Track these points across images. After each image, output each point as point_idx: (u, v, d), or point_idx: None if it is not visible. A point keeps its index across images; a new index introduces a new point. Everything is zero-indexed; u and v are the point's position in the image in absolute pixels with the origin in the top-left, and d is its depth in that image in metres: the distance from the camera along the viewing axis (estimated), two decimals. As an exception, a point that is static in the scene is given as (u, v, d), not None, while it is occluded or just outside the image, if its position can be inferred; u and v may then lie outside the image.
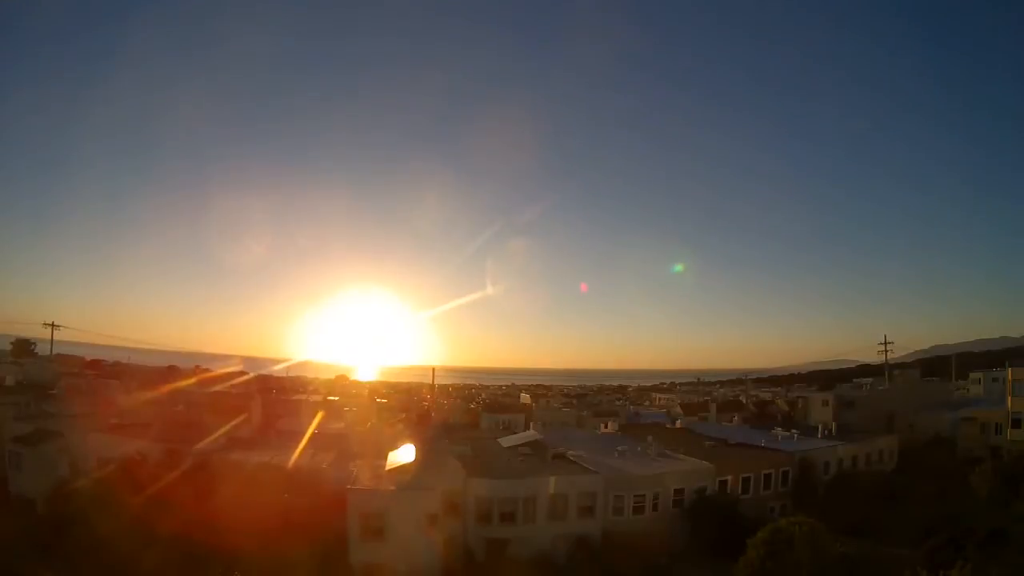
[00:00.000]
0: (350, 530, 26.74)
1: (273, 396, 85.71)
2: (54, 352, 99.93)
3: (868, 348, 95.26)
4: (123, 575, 21.66)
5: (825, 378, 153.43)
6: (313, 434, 38.50)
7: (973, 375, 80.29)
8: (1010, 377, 51.29)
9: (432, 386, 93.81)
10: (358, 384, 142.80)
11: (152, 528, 21.84)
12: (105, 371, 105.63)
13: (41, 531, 28.14)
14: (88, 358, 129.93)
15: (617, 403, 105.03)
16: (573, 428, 65.99)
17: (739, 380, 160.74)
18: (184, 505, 22.50)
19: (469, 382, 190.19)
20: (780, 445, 43.52)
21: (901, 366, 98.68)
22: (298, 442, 36.53)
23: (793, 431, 50.34)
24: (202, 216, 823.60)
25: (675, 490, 34.17)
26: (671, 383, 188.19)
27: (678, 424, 66.03)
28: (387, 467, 30.88)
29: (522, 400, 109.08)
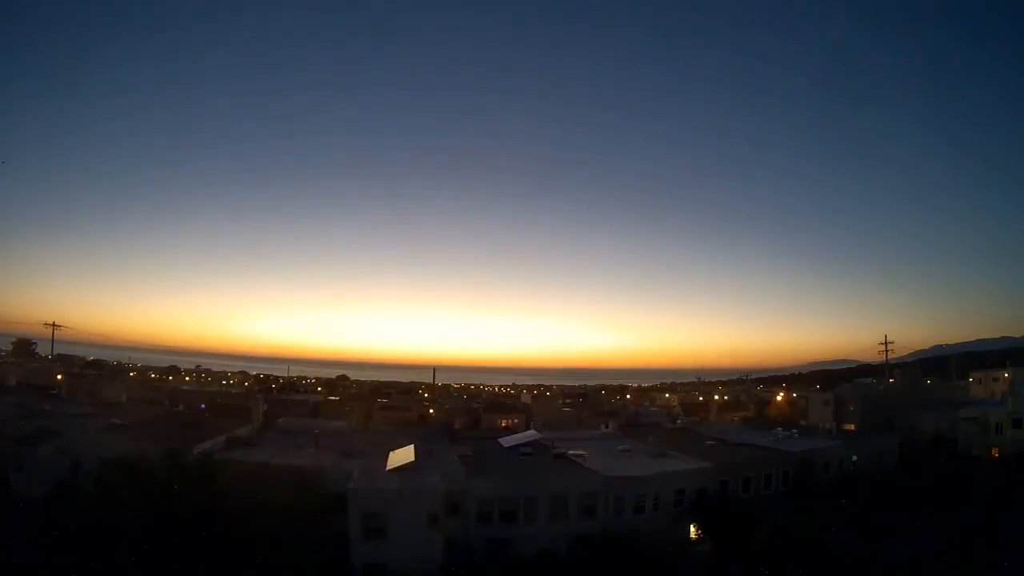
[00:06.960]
0: (351, 530, 26.74)
1: (274, 395, 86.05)
2: (54, 352, 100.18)
3: (868, 348, 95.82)
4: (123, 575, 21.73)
5: (825, 378, 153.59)
6: (314, 433, 38.52)
7: (973, 375, 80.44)
8: (1010, 377, 51.31)
9: (433, 385, 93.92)
10: (359, 383, 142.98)
11: (153, 529, 21.89)
12: (105, 371, 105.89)
13: (42, 531, 28.16)
14: (88, 358, 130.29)
15: (617, 403, 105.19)
16: (574, 428, 66.09)
17: (739, 380, 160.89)
18: (185, 506, 22.54)
19: (470, 381, 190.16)
20: (780, 445, 43.52)
21: (901, 366, 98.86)
22: (299, 441, 36.61)
23: (793, 431, 50.41)
24: (203, 216, 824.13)
25: (676, 490, 34.11)
26: (671, 383, 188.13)
27: (678, 424, 66.25)
28: (387, 467, 30.94)
29: (523, 400, 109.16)
